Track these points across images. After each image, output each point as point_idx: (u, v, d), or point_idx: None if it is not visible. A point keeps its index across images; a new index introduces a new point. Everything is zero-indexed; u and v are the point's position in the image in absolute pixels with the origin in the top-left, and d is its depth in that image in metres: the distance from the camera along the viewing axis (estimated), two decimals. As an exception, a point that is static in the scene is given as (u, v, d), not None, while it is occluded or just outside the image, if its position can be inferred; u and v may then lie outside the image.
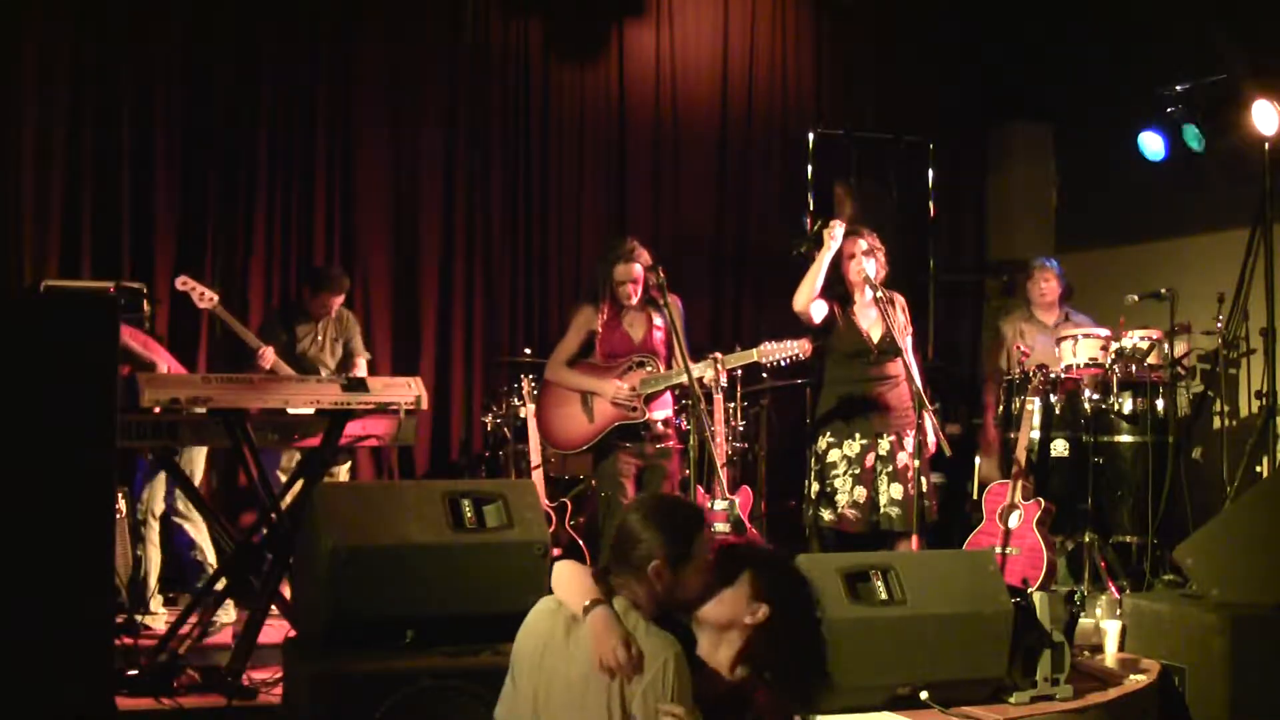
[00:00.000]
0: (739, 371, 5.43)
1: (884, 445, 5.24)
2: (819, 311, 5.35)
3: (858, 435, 5.28)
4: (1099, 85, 7.75)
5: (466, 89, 7.43)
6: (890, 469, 5.21)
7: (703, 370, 4.96)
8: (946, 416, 7.38)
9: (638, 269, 5.12)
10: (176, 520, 5.45)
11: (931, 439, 5.13)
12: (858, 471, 5.24)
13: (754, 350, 5.07)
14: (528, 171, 7.62)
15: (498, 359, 7.23)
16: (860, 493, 5.22)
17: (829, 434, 5.33)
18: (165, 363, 5.29)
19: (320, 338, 6.14)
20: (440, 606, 3.75)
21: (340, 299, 6.17)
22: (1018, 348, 6.53)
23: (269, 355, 5.75)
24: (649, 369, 5.09)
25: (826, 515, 5.27)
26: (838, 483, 5.27)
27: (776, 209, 8.13)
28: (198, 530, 5.39)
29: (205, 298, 5.61)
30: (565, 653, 2.88)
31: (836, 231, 5.26)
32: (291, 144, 7.00)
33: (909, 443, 5.16)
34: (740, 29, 8.15)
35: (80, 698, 3.10)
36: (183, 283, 5.67)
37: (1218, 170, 6.93)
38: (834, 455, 5.30)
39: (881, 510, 5.19)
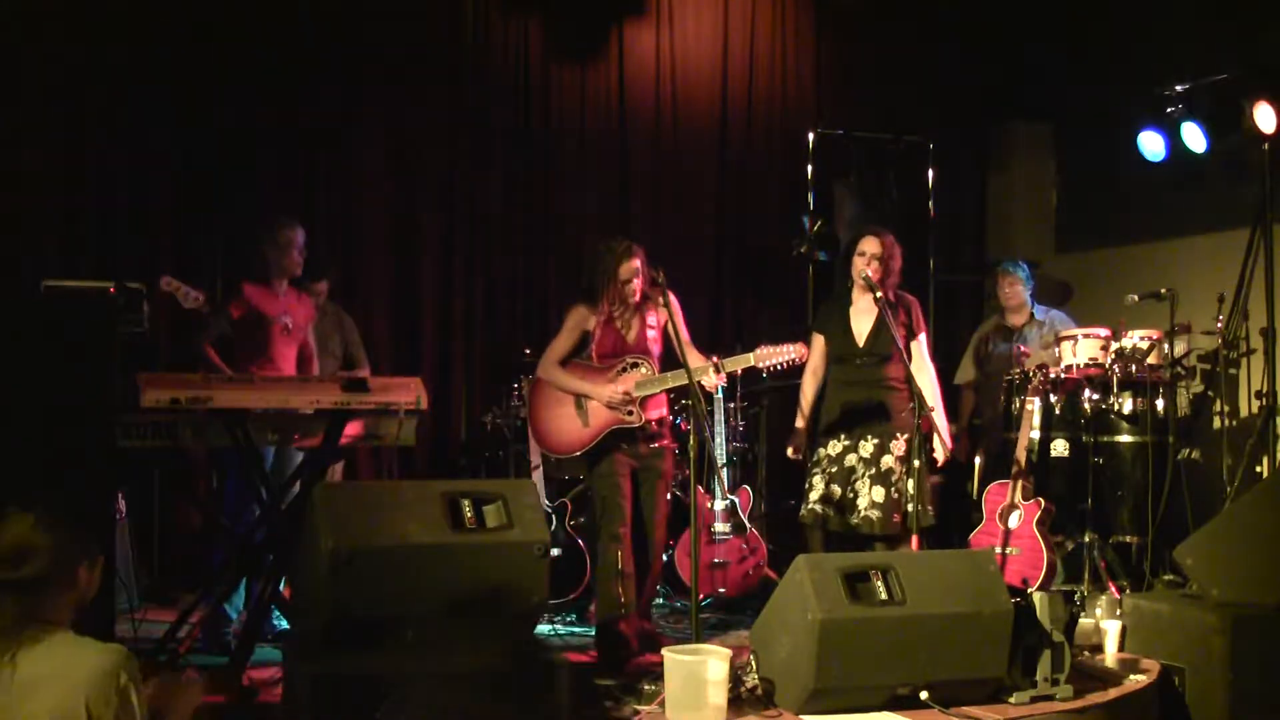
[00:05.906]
0: (738, 372, 5.40)
1: (867, 448, 5.23)
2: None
3: (841, 435, 5.28)
4: (1099, 85, 7.74)
5: (467, 89, 7.43)
6: (873, 471, 5.19)
7: (701, 374, 4.93)
8: (946, 417, 7.39)
9: (638, 264, 5.10)
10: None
11: (939, 442, 5.14)
12: (834, 470, 5.25)
13: (750, 354, 5.03)
14: (528, 171, 7.61)
15: (498, 359, 7.22)
16: (835, 491, 5.22)
17: (817, 432, 5.37)
18: None
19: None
20: (440, 607, 3.75)
21: (322, 286, 6.11)
22: (1019, 348, 6.59)
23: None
24: (643, 370, 5.05)
25: (803, 510, 5.30)
26: (815, 479, 5.29)
27: (776, 209, 8.13)
28: (121, 538, 5.31)
29: (191, 298, 5.54)
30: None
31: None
32: (291, 144, 6.99)
33: (896, 446, 5.16)
34: (740, 29, 8.15)
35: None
36: (167, 283, 5.52)
37: (1218, 170, 6.93)
38: (818, 453, 5.34)
39: (862, 513, 5.16)
